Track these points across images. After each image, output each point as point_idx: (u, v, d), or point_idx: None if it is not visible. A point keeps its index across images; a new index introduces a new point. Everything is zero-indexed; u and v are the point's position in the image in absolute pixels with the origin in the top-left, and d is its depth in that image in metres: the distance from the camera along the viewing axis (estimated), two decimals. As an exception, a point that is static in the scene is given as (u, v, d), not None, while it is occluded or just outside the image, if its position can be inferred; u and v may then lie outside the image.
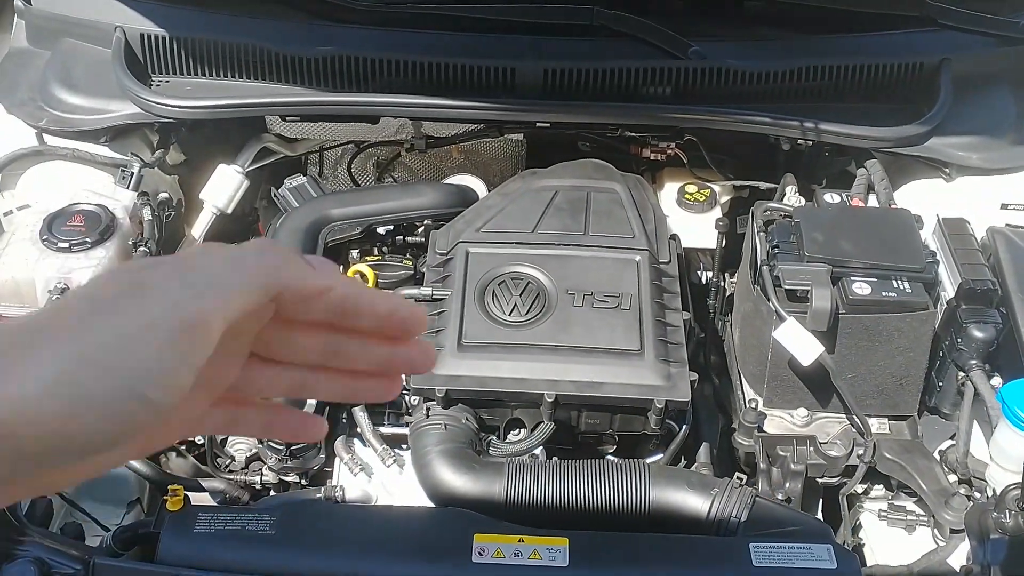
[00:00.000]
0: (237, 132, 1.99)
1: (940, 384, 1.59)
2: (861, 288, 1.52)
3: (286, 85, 1.84)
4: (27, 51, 1.97)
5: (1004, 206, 1.76)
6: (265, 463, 1.60)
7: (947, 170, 1.84)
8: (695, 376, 1.49)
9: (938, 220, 1.70)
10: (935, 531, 1.49)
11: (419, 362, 0.59)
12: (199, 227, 1.90)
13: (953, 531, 1.43)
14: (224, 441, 1.63)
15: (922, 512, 1.51)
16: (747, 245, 1.74)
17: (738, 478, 1.37)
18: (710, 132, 1.90)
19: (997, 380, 1.51)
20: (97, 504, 1.73)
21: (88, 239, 1.63)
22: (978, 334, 1.50)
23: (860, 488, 1.57)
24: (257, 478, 1.62)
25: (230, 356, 0.53)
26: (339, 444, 1.59)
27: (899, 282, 1.53)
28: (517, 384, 1.47)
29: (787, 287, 1.53)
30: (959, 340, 1.52)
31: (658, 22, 1.81)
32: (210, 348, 0.48)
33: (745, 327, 1.68)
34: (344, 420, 1.61)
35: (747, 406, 1.59)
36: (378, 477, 1.57)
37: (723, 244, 1.82)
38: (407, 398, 1.62)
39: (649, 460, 1.55)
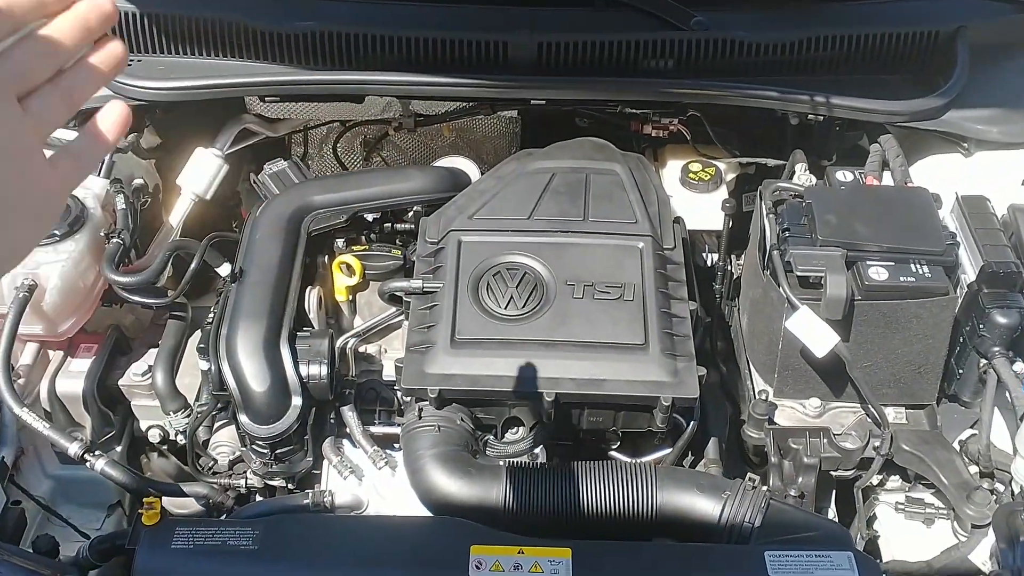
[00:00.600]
0: (215, 113, 1.91)
1: (960, 371, 1.55)
2: (878, 273, 1.47)
3: (266, 63, 1.77)
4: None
5: (1026, 182, 1.70)
6: (249, 466, 1.52)
7: (965, 144, 1.78)
8: (703, 371, 1.42)
9: (957, 198, 1.64)
10: (955, 524, 1.45)
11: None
12: (177, 214, 1.82)
13: (975, 526, 1.40)
14: (206, 443, 1.55)
15: (941, 505, 1.48)
16: (755, 226, 1.68)
17: (751, 479, 1.30)
18: (714, 107, 1.83)
19: (1021, 367, 1.46)
20: (76, 508, 1.67)
21: (56, 231, 1.57)
22: (1001, 320, 1.46)
23: (875, 480, 1.52)
24: (242, 481, 1.55)
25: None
26: (327, 446, 1.52)
27: (918, 266, 1.48)
28: (514, 383, 1.40)
29: (799, 273, 1.47)
30: (981, 326, 1.47)
31: (659, -10, 1.74)
32: None
33: (754, 314, 1.62)
34: (332, 420, 1.54)
35: (757, 397, 1.54)
36: (369, 480, 1.50)
37: (730, 225, 1.74)
38: (399, 395, 1.54)
39: (655, 456, 1.49)
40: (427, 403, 1.41)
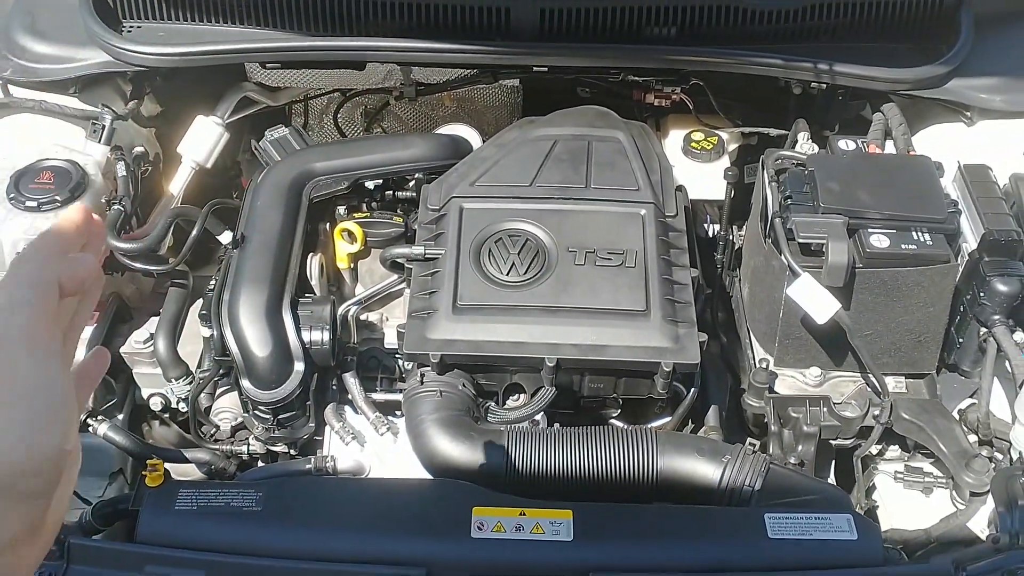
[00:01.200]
0: (216, 81, 1.91)
1: (960, 340, 1.55)
2: (879, 241, 1.46)
3: (267, 29, 1.75)
4: (-12, -3, 1.88)
5: (1029, 151, 1.69)
6: (252, 432, 1.53)
7: (968, 113, 1.77)
8: (704, 337, 1.42)
9: (959, 167, 1.63)
10: (953, 493, 1.45)
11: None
12: (177, 182, 1.82)
13: (973, 494, 1.40)
14: (208, 409, 1.56)
15: (940, 473, 1.48)
16: (757, 195, 1.67)
17: (751, 444, 1.30)
18: (717, 75, 1.82)
19: (1021, 336, 1.46)
20: (78, 476, 1.67)
21: (58, 197, 1.56)
22: (1002, 288, 1.46)
23: (875, 449, 1.52)
24: (244, 448, 1.55)
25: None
26: (329, 412, 1.52)
27: (919, 234, 1.47)
28: (516, 348, 1.40)
29: (801, 240, 1.47)
30: (981, 294, 1.47)
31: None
32: None
33: (755, 283, 1.62)
34: (334, 387, 1.54)
35: (757, 366, 1.53)
36: (371, 446, 1.51)
37: (731, 195, 1.74)
38: (400, 362, 1.54)
39: (656, 424, 1.49)
40: (429, 368, 1.41)
